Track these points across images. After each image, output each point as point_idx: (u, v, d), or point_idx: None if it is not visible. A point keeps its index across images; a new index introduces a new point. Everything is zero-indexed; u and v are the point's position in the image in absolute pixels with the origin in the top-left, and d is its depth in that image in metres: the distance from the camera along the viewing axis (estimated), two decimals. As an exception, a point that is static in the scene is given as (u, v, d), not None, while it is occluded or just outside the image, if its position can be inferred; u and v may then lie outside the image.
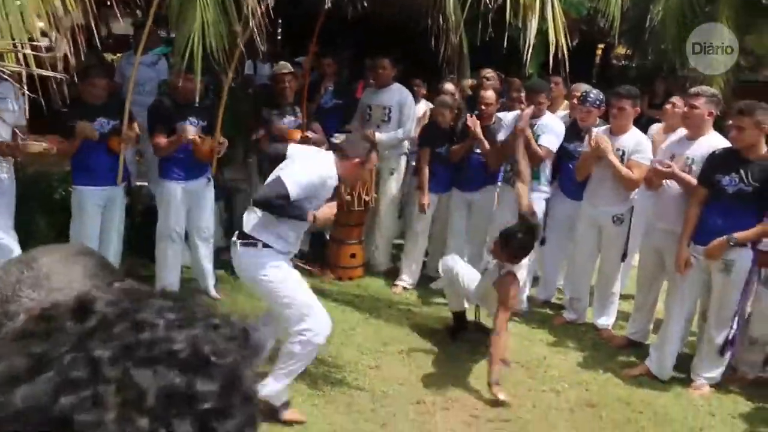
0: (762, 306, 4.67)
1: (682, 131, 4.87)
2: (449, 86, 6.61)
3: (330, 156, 3.95)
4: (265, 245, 3.79)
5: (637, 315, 5.24)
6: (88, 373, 0.61)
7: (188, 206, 5.46)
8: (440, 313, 5.66)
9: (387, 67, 6.29)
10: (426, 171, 5.94)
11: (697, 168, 4.63)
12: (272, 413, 3.84)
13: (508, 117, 5.72)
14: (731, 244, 4.33)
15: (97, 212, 5.17)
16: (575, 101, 5.85)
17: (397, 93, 6.30)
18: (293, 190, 3.66)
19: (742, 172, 4.37)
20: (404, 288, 6.12)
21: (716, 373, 4.70)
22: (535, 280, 6.12)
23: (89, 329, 0.65)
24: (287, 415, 3.90)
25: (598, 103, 5.49)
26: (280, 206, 3.69)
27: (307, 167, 3.82)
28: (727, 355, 4.64)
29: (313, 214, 3.77)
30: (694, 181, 4.59)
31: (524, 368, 4.78)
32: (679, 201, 4.70)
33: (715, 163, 4.49)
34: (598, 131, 5.21)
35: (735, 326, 4.57)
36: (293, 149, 4.12)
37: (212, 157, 5.27)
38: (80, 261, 1.07)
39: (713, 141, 4.70)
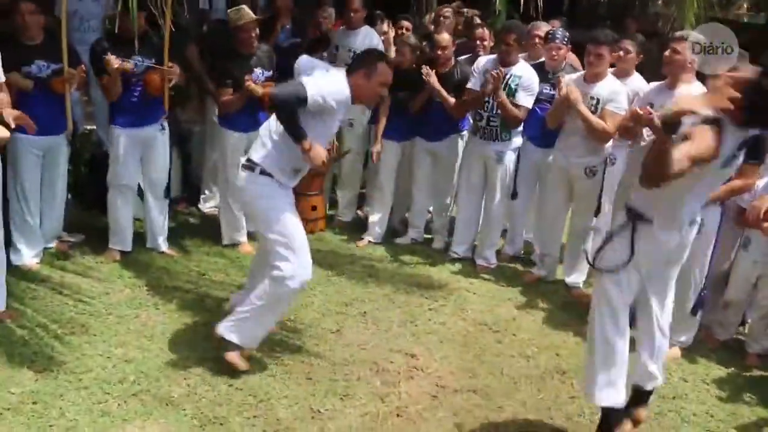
0: (740, 269, 4.50)
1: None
2: (406, 24, 6.24)
3: (342, 73, 3.75)
4: (263, 172, 3.68)
5: None
6: None
7: (141, 155, 5.09)
8: (405, 270, 5.42)
9: (358, 9, 5.90)
10: (383, 118, 5.61)
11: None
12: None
13: (481, 62, 5.38)
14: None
15: (36, 163, 4.79)
16: (538, 41, 5.58)
17: (365, 36, 5.92)
18: (312, 93, 3.48)
19: None
20: (369, 242, 5.86)
21: (688, 335, 4.57)
22: (504, 235, 5.90)
23: None
24: (231, 357, 3.75)
25: (566, 40, 5.28)
26: (291, 111, 3.49)
27: (327, 77, 3.66)
28: (698, 316, 4.51)
29: (309, 143, 3.52)
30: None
31: (492, 331, 4.57)
32: None
33: None
34: (570, 78, 4.93)
35: (705, 286, 4.45)
36: (302, 63, 3.91)
37: (164, 88, 4.86)
38: None
39: (695, 91, 4.45)
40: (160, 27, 4.46)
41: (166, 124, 5.15)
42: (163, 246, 5.29)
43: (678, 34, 4.63)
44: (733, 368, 4.41)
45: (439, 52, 5.49)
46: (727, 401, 4.04)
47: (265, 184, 3.71)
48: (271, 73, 5.24)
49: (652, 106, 4.44)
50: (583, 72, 5.01)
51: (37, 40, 4.61)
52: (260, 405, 3.56)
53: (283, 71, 5.43)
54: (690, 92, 4.37)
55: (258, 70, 5.15)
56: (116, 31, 4.66)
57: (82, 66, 4.75)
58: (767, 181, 4.34)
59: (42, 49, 4.60)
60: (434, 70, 5.43)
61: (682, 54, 4.42)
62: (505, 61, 5.21)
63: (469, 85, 5.36)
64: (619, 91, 4.85)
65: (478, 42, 5.80)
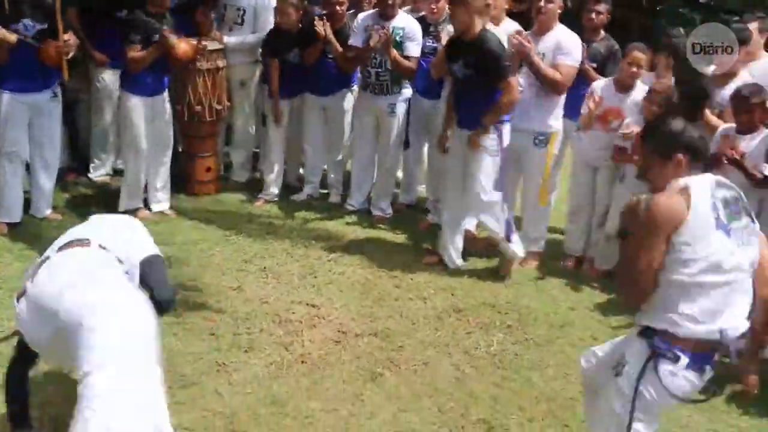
0: (617, 202, 4.79)
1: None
2: None
3: None
4: None
5: None
6: None
7: (30, 122, 4.90)
8: (303, 225, 5.48)
9: None
10: (276, 80, 5.58)
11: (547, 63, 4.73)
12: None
13: (360, 18, 5.40)
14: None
15: (23, 120, 4.81)
16: None
17: None
18: None
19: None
20: (266, 201, 5.87)
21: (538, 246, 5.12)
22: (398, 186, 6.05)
23: None
24: None
25: None
26: None
27: None
28: (515, 236, 4.84)
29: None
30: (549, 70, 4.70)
31: (390, 277, 4.72)
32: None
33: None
34: (449, 30, 5.02)
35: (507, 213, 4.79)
36: None
37: (60, 60, 4.67)
38: None
39: (561, 34, 4.74)
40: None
41: (59, 91, 4.99)
42: (48, 211, 5.16)
43: None
44: (613, 295, 4.73)
45: (337, 8, 5.47)
46: (608, 325, 4.36)
47: None
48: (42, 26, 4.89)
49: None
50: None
51: None
52: (164, 363, 3.57)
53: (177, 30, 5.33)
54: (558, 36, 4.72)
55: (26, 21, 4.80)
56: None
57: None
58: (634, 120, 4.66)
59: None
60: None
61: (554, 3, 4.68)
62: (386, 15, 5.25)
63: (351, 42, 5.38)
64: (567, 42, 4.78)
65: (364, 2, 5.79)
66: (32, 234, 4.92)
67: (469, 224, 5.43)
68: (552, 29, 4.81)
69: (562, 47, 4.76)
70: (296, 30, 5.52)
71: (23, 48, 4.63)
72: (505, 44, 4.55)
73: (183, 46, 5.15)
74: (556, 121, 4.90)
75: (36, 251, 4.65)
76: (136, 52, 4.97)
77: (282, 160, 5.95)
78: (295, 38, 5.52)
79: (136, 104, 5.15)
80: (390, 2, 5.22)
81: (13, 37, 4.54)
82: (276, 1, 5.58)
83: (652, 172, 2.56)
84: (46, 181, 5.11)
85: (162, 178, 5.46)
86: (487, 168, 4.59)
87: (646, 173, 2.61)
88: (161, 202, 5.49)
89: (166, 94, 5.36)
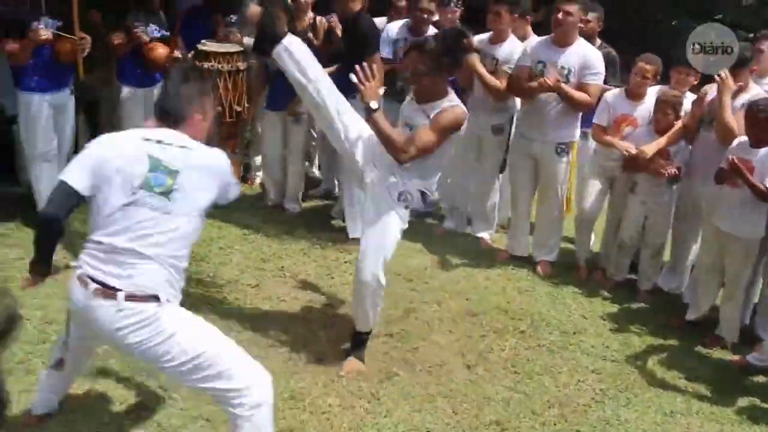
0: (629, 211, 4.86)
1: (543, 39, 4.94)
2: None
3: None
4: None
5: (515, 228, 5.34)
6: None
7: (54, 121, 4.94)
8: (321, 227, 5.56)
9: None
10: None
11: (574, 78, 4.73)
12: None
13: (392, 30, 5.38)
14: None
15: (47, 118, 4.82)
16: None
17: None
18: None
19: None
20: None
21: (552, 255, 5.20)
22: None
23: None
24: None
25: (459, 3, 5.54)
26: None
27: None
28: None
29: None
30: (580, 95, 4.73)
31: (406, 280, 4.78)
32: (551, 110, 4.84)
33: None
34: (476, 39, 5.09)
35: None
36: None
37: (76, 57, 4.70)
38: None
39: (586, 50, 4.79)
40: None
41: (73, 89, 5.07)
42: None
43: None
44: (626, 304, 4.79)
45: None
46: (620, 333, 4.42)
47: None
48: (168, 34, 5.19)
49: (543, 64, 4.77)
50: (488, 34, 5.16)
51: None
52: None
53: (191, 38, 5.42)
54: (580, 50, 4.75)
55: (153, 26, 5.11)
56: None
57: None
58: (644, 129, 4.73)
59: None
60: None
61: (573, 16, 4.73)
62: (418, 30, 5.27)
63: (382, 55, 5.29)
64: (593, 58, 4.81)
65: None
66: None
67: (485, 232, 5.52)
68: (574, 43, 4.82)
69: (589, 66, 4.77)
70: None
71: (44, 47, 4.64)
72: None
73: (159, 50, 5.27)
74: (576, 130, 4.98)
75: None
76: (10, 46, 4.67)
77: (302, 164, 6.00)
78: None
79: (129, 95, 5.30)
80: (423, 17, 5.23)
81: (47, 33, 4.54)
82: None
83: None
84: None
85: None
86: None
87: None
88: None
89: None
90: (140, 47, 5.26)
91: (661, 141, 4.60)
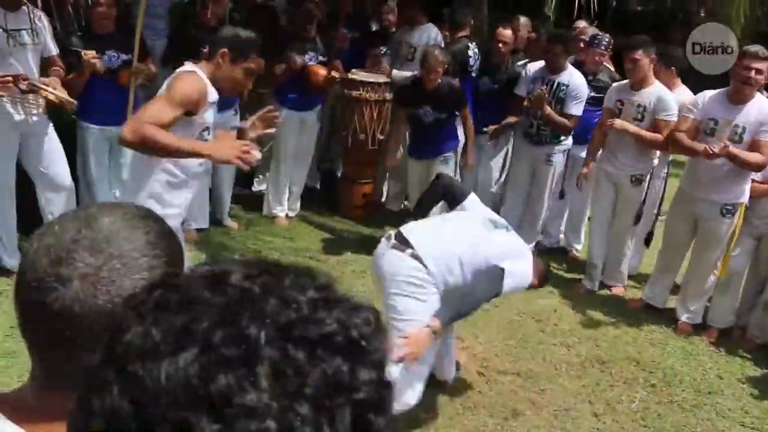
0: None
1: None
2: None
3: None
4: None
5: (659, 278, 5.13)
6: (243, 352, 0.55)
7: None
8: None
9: (417, 7, 6.10)
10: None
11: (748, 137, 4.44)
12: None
13: (530, 69, 5.50)
14: None
15: (103, 153, 4.80)
16: (582, 45, 5.69)
17: (425, 32, 6.10)
18: None
19: None
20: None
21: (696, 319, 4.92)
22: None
23: (233, 303, 0.58)
24: None
25: (609, 47, 5.49)
26: None
27: None
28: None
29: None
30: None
31: (535, 321, 4.75)
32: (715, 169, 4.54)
33: None
34: (615, 86, 5.07)
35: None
36: None
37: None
38: (142, 226, 0.96)
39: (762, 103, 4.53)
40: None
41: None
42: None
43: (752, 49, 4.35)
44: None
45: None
46: (763, 400, 4.18)
47: None
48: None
49: (621, 103, 4.80)
50: (627, 80, 4.99)
51: (109, 29, 4.59)
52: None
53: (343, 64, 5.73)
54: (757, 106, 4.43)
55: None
56: (89, 24, 4.68)
57: (150, 60, 4.75)
58: None
59: (113, 40, 4.57)
60: None
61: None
62: (553, 69, 5.31)
63: (516, 91, 5.48)
64: (667, 99, 4.80)
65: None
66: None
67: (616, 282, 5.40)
68: (651, 85, 4.83)
69: (666, 108, 4.77)
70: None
71: (105, 81, 4.55)
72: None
73: (321, 72, 5.54)
74: (746, 190, 4.58)
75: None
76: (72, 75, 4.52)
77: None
78: (429, 96, 5.30)
79: (288, 118, 5.52)
80: (554, 55, 5.26)
81: (100, 64, 4.47)
82: (427, 56, 5.25)
83: None
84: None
85: (298, 185, 5.99)
86: None
87: None
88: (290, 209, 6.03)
89: (317, 111, 5.81)
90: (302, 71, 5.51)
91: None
